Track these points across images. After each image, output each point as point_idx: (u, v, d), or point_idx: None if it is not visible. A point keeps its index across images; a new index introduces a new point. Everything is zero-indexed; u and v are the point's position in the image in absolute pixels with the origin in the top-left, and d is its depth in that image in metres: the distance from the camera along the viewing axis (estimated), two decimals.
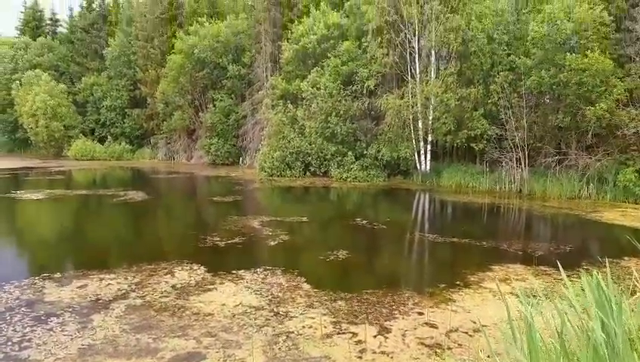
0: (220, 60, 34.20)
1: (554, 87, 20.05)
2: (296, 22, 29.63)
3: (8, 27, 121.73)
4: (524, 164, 21.18)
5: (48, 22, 52.38)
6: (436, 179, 23.77)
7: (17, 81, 41.20)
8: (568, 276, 8.80)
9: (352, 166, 24.78)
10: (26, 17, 51.57)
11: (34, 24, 51.08)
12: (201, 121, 35.44)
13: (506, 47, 22.06)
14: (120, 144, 40.50)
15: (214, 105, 34.45)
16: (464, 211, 17.57)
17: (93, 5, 46.42)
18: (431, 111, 23.17)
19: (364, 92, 25.26)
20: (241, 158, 34.62)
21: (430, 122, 23.33)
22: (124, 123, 41.02)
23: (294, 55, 28.37)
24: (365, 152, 25.00)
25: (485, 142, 22.40)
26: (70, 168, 31.73)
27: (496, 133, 22.17)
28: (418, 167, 24.40)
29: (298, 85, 27.37)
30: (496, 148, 22.42)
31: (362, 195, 21.46)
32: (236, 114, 34.19)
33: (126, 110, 41.10)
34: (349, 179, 24.52)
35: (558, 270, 9.04)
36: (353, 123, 25.42)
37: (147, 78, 38.65)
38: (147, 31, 39.38)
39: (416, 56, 23.86)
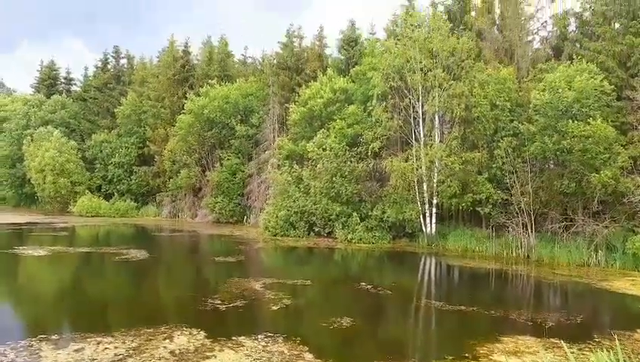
0: (229, 121, 34.99)
1: (558, 153, 20.22)
2: (303, 86, 30.53)
3: (23, 84, 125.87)
4: (531, 229, 20.98)
5: (63, 80, 54.28)
6: (442, 242, 23.50)
7: (29, 137, 42.11)
8: (580, 349, 8.50)
9: (356, 227, 24.62)
10: (42, 76, 53.52)
11: (49, 82, 52.92)
12: (207, 180, 35.74)
13: (508, 114, 22.50)
14: (125, 201, 40.65)
15: (221, 164, 34.87)
16: (471, 277, 17.21)
17: (108, 66, 48.25)
18: (435, 174, 23.30)
19: (369, 154, 25.55)
20: (245, 217, 34.56)
21: (435, 185, 23.40)
22: (130, 180, 41.39)
23: (301, 117, 29.02)
24: (370, 213, 24.91)
25: (491, 206, 22.31)
26: (74, 224, 31.69)
27: (502, 198, 22.13)
28: (423, 230, 24.21)
29: (304, 146, 27.78)
30: (502, 212, 22.30)
31: (367, 257, 21.15)
32: (242, 173, 34.52)
33: (133, 167, 41.61)
34: (353, 241, 24.29)
35: (570, 342, 8.71)
36: (358, 184, 25.53)
37: (156, 137, 39.42)
38: (159, 91, 40.63)
39: (420, 120, 24.32)
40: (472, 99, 23.18)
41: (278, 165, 29.96)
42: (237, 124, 34.80)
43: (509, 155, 21.51)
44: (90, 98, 46.70)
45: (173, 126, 37.16)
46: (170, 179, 37.97)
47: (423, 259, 21.12)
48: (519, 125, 21.77)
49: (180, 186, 37.49)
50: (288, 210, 26.34)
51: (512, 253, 21.22)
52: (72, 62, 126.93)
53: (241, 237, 26.41)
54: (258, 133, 34.82)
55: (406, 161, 23.89)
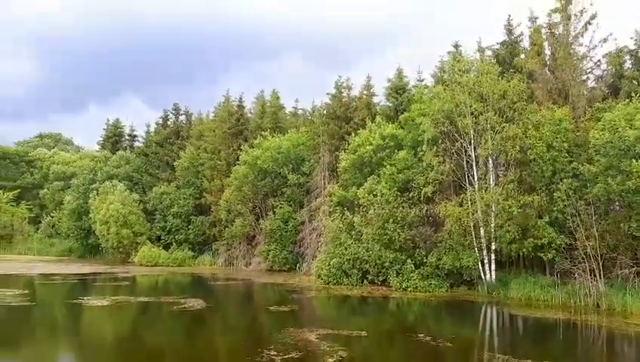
0: (281, 170, 35.83)
1: (623, 194, 19.18)
2: (352, 134, 30.97)
3: (91, 142, 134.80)
4: (599, 275, 19.68)
5: (127, 137, 57.78)
6: (503, 290, 22.40)
7: (95, 191, 44.73)
8: None
9: (411, 275, 24.01)
10: (107, 133, 57.28)
11: (114, 139, 56.51)
12: (260, 228, 36.35)
13: (566, 155, 21.73)
14: (183, 250, 41.83)
15: (274, 212, 35.45)
16: (537, 328, 16.24)
17: (168, 122, 51.10)
18: (493, 219, 22.58)
19: (422, 199, 25.22)
20: (298, 265, 34.61)
21: (493, 230, 22.63)
22: (188, 230, 42.70)
23: (351, 164, 29.28)
24: (425, 260, 24.29)
25: (554, 251, 21.20)
26: (135, 274, 32.82)
27: (565, 242, 21.04)
28: (483, 277, 23.25)
29: (355, 192, 27.86)
30: (566, 258, 21.14)
31: (424, 307, 20.49)
32: (294, 220, 34.88)
33: (191, 217, 42.99)
34: (409, 289, 23.64)
35: None
36: (411, 230, 25.12)
37: (213, 187, 40.82)
38: (215, 144, 42.40)
39: (474, 163, 23.92)
40: (526, 141, 22.64)
41: (330, 212, 30.08)
42: (289, 173, 35.56)
43: (570, 198, 20.60)
44: (152, 153, 49.33)
45: (229, 177, 38.40)
46: (226, 228, 38.87)
47: (483, 309, 20.20)
48: (579, 166, 20.94)
49: (234, 235, 38.25)
50: (340, 258, 26.17)
51: (579, 301, 19.88)
52: (133, 119, 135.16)
53: (294, 286, 26.37)
54: (309, 181, 35.33)
55: (460, 206, 23.37)
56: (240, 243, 39.12)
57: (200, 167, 43.25)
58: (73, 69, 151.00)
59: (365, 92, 35.92)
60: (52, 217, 55.03)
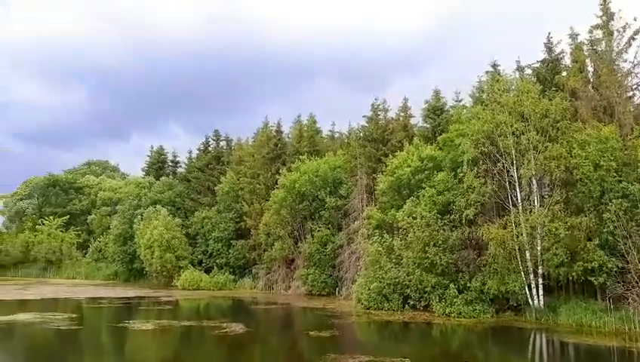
0: (319, 193, 35.96)
1: None
2: (390, 155, 30.84)
3: (135, 168, 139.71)
4: None
5: (170, 163, 59.56)
6: (552, 316, 21.41)
7: (139, 216, 46.13)
8: None
9: (455, 300, 23.34)
10: (151, 160, 59.23)
11: (158, 165, 58.34)
12: (299, 251, 36.42)
13: (615, 174, 20.88)
14: (224, 274, 42.32)
15: (312, 236, 35.49)
16: (589, 356, 15.44)
17: (209, 148, 52.47)
18: (539, 242, 21.80)
19: (463, 221, 24.68)
20: (337, 289, 34.33)
21: (539, 253, 21.82)
22: (229, 253, 43.25)
23: (389, 186, 29.04)
24: (469, 285, 23.59)
25: (605, 275, 20.20)
26: (178, 298, 33.40)
27: (617, 266, 20.03)
28: (530, 303, 22.35)
29: (394, 215, 27.56)
30: (618, 282, 20.10)
31: (468, 333, 19.85)
32: (333, 244, 34.77)
33: (231, 241, 43.58)
34: (452, 315, 22.97)
35: None
36: (453, 253, 24.52)
37: (252, 211, 41.35)
38: (254, 168, 43.13)
39: (517, 184, 23.28)
40: (571, 160, 21.92)
41: (368, 235, 29.84)
42: (326, 196, 35.64)
43: (620, 219, 19.69)
44: (194, 178, 50.62)
45: (268, 200, 38.84)
46: (265, 252, 39.15)
47: (532, 336, 19.39)
48: (629, 186, 20.06)
49: (274, 258, 38.45)
50: (380, 282, 25.78)
51: (635, 327, 18.77)
52: (175, 145, 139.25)
53: (334, 311, 26.13)
54: (347, 204, 35.25)
55: (504, 228, 22.70)
56: (279, 266, 39.25)
57: (240, 192, 43.98)
58: (118, 99, 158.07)
59: (402, 113, 35.87)
60: (99, 242, 57.02)
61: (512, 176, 23.38)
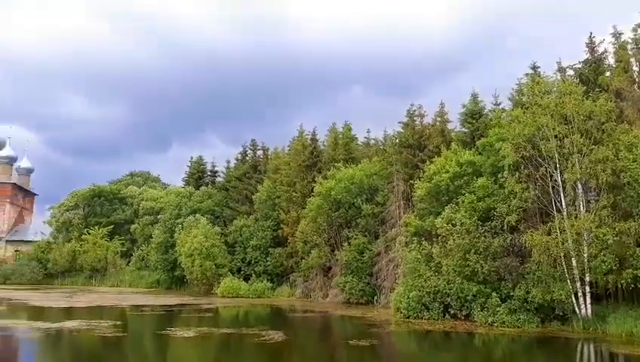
0: (355, 200, 35.88)
1: None
2: (427, 161, 30.44)
3: (175, 178, 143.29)
4: None
5: (209, 173, 60.76)
6: (600, 325, 20.51)
7: (180, 225, 47.20)
8: None
9: (497, 309, 22.70)
10: (191, 170, 60.61)
11: (197, 175, 59.63)
12: (336, 259, 36.35)
13: None
14: (262, 282, 42.70)
15: (349, 243, 35.37)
16: None
17: (247, 157, 53.29)
18: (585, 248, 20.96)
19: (505, 228, 24.03)
20: (375, 297, 34.02)
21: (586, 260, 20.98)
22: (266, 261, 43.65)
23: (427, 192, 28.62)
24: (512, 293, 22.91)
25: None
26: (217, 305, 33.89)
27: None
28: (577, 312, 21.49)
29: (432, 222, 27.13)
30: None
31: (513, 344, 19.24)
32: (370, 251, 34.54)
33: (269, 249, 43.99)
34: (495, 324, 22.33)
35: None
36: (495, 261, 23.89)
37: (289, 219, 41.66)
38: (291, 177, 43.50)
39: (561, 189, 22.51)
40: (618, 163, 21.04)
41: (406, 242, 29.47)
42: (362, 203, 35.52)
43: None
44: (232, 187, 51.49)
45: (304, 208, 39.03)
46: (302, 260, 39.29)
47: (579, 346, 18.62)
48: None
49: (311, 266, 38.53)
50: (420, 290, 25.37)
51: None
52: (213, 155, 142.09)
53: (373, 319, 25.88)
54: (383, 211, 35.00)
55: (548, 235, 21.96)
56: (316, 274, 39.29)
57: (277, 200, 44.39)
58: (158, 112, 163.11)
59: (439, 119, 35.40)
60: (142, 250, 58.66)
61: (555, 180, 22.64)
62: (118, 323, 24.24)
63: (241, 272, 44.96)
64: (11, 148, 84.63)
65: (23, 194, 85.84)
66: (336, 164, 38.61)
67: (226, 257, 44.99)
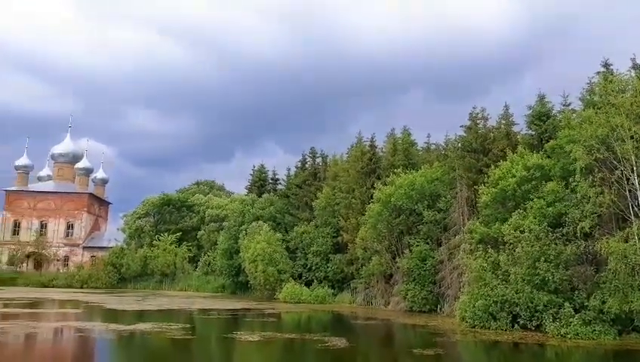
0: (416, 207, 35.34)
1: None
2: (492, 166, 29.47)
3: (238, 186, 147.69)
4: None
5: (271, 181, 62.15)
6: None
7: (244, 231, 48.53)
8: None
9: (570, 320, 21.48)
10: (253, 178, 62.27)
11: (259, 183, 61.18)
12: (397, 266, 35.91)
13: None
14: (323, 288, 42.95)
15: (410, 251, 34.84)
16: None
17: (306, 165, 54.02)
18: None
19: (578, 234, 22.76)
20: (439, 306, 33.25)
21: None
22: (327, 267, 43.90)
23: (492, 198, 27.70)
24: (586, 303, 21.62)
25: None
26: (280, 311, 34.45)
27: None
28: None
29: (498, 229, 26.19)
30: None
31: (588, 357, 18.14)
32: (432, 259, 33.84)
33: (329, 255, 44.23)
34: (568, 336, 21.14)
35: None
36: (567, 269, 22.66)
37: (348, 226, 41.70)
38: (349, 183, 43.59)
39: (638, 193, 21.06)
40: None
41: (471, 250, 28.61)
42: (424, 210, 34.91)
43: None
44: (292, 194, 52.37)
45: (364, 215, 38.92)
46: (363, 266, 39.15)
47: None
48: None
49: (371, 273, 38.29)
50: (486, 300, 24.51)
51: None
52: (273, 164, 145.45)
53: (437, 328, 25.30)
54: (446, 218, 34.21)
55: (626, 241, 20.58)
56: (377, 281, 38.99)
57: (336, 207, 44.60)
58: (221, 123, 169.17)
59: (503, 121, 34.23)
60: (208, 256, 60.88)
61: (632, 183, 21.23)
62: (187, 326, 25.23)
63: (303, 278, 45.47)
64: (88, 161, 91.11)
65: (98, 203, 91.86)
66: (395, 170, 38.23)
67: (287, 263, 45.71)
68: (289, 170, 56.58)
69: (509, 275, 24.18)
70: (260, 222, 48.88)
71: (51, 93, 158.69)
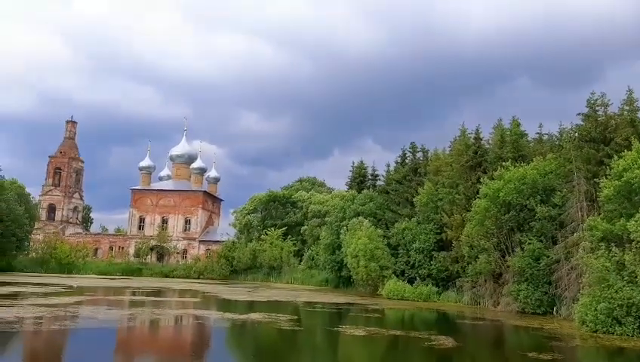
0: (527, 202, 33.27)
1: None
2: (615, 156, 26.84)
3: (338, 183, 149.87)
4: None
5: (370, 177, 62.32)
6: None
7: (345, 227, 49.19)
8: None
9: None
10: (353, 175, 62.85)
11: (359, 179, 61.62)
12: (507, 265, 34.08)
13: None
14: (427, 286, 42.13)
15: (522, 249, 32.88)
16: None
17: (406, 160, 53.27)
18: None
19: None
20: (555, 308, 31.02)
21: None
22: (430, 265, 42.94)
23: (616, 192, 25.23)
24: None
25: None
26: (384, 307, 34.45)
27: None
28: None
29: (623, 225, 23.80)
30: None
31: None
32: (547, 258, 31.61)
33: (432, 253, 43.20)
34: None
35: None
36: None
37: (452, 222, 40.38)
38: (453, 178, 42.16)
39: None
40: None
41: (592, 248, 26.30)
42: (536, 205, 32.72)
43: None
44: (392, 190, 51.94)
45: (469, 211, 37.47)
46: (469, 265, 37.72)
47: None
48: None
49: (479, 272, 36.75)
50: (610, 302, 22.43)
51: None
52: (372, 160, 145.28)
53: (553, 331, 23.70)
54: (562, 214, 31.75)
55: None
56: (485, 281, 37.34)
57: (439, 202, 43.41)
58: (319, 122, 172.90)
59: (627, 107, 31.00)
60: (311, 251, 62.68)
61: None
62: (294, 317, 26.27)
63: (405, 275, 44.94)
64: (202, 161, 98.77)
65: (211, 200, 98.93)
66: (503, 163, 36.25)
67: (389, 259, 45.45)
68: (388, 165, 56.31)
69: (636, 276, 21.98)
70: (361, 217, 49.14)
71: (166, 100, 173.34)
